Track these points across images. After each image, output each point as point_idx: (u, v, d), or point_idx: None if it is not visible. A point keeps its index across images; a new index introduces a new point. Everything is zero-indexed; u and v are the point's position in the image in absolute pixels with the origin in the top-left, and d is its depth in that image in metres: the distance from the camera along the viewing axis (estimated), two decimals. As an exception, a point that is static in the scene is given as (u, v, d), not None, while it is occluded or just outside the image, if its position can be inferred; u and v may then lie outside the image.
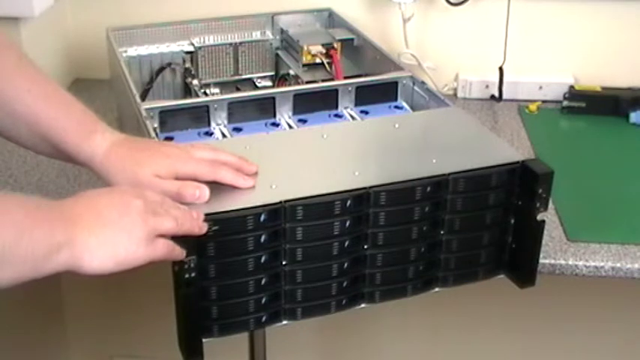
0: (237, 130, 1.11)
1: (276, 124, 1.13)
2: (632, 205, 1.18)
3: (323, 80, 1.22)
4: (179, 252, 0.79)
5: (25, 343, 1.62)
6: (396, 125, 1.05)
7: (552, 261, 1.04)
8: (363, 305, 0.96)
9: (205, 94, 1.29)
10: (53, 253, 0.70)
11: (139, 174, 0.86)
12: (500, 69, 1.45)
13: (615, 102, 1.43)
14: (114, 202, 0.76)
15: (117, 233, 0.74)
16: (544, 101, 1.49)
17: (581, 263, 1.05)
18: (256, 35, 1.37)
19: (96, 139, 0.89)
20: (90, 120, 0.91)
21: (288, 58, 1.34)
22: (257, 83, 1.35)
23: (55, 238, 0.70)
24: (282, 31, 1.38)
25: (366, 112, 1.16)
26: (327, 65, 1.27)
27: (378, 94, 1.19)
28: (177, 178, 0.86)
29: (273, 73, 1.37)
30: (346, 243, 0.90)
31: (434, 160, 0.95)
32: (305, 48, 1.27)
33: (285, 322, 0.93)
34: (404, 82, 1.19)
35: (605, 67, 1.49)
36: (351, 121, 1.14)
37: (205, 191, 0.85)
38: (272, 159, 0.95)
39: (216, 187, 0.88)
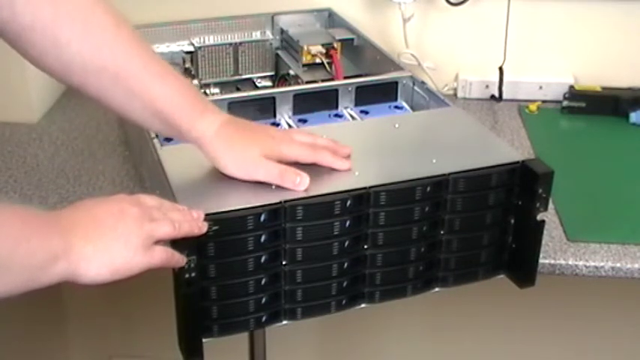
0: (237, 130, 1.11)
1: (276, 124, 1.13)
2: (632, 205, 1.18)
3: (323, 80, 1.22)
4: (178, 258, 0.79)
5: (25, 342, 1.62)
6: (396, 125, 1.05)
7: (552, 261, 1.05)
8: (363, 305, 0.96)
9: (205, 94, 1.29)
10: (50, 262, 0.69)
11: (247, 152, 0.89)
12: (500, 69, 1.45)
13: (615, 102, 1.43)
14: (110, 210, 0.76)
15: (113, 241, 0.73)
16: (544, 101, 1.49)
17: (581, 263, 1.05)
18: (256, 35, 1.37)
19: (208, 118, 0.90)
20: (201, 99, 0.93)
21: (288, 58, 1.34)
22: (257, 83, 1.35)
23: (51, 248, 0.69)
24: (282, 31, 1.38)
25: (366, 112, 1.16)
26: (327, 65, 1.27)
27: (378, 94, 1.19)
28: (279, 160, 0.89)
29: (273, 73, 1.37)
30: (346, 243, 0.90)
31: (434, 160, 0.95)
32: (305, 48, 1.27)
33: (285, 322, 0.93)
34: (404, 82, 1.19)
35: (605, 67, 1.49)
36: (351, 121, 1.14)
37: (306, 179, 0.88)
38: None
39: (216, 187, 0.88)
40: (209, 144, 0.90)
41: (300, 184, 0.88)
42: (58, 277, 0.70)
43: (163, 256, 0.77)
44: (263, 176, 0.89)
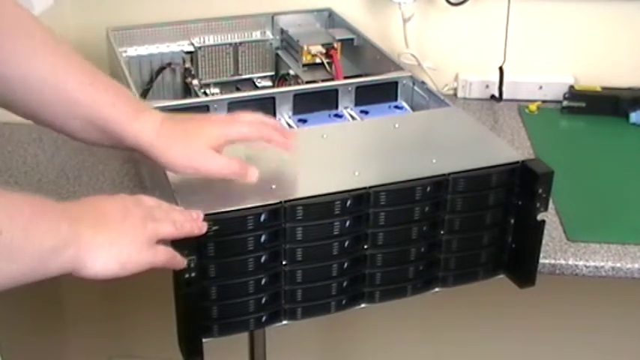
0: (237, 130, 1.11)
1: (276, 124, 1.13)
2: (632, 205, 1.18)
3: (323, 80, 1.22)
4: (180, 260, 0.79)
5: (25, 343, 1.62)
6: (396, 125, 1.05)
7: (552, 261, 1.05)
8: (363, 305, 0.96)
9: (205, 94, 1.29)
10: (60, 248, 0.69)
11: (192, 144, 0.86)
12: (501, 69, 1.45)
13: (615, 102, 1.43)
14: (115, 206, 0.76)
15: (121, 235, 0.73)
16: (544, 101, 1.49)
17: (581, 263, 1.05)
18: (256, 35, 1.37)
19: (146, 118, 0.88)
20: (136, 101, 0.91)
21: (288, 58, 1.34)
22: (257, 83, 1.35)
23: (61, 234, 0.69)
24: (282, 31, 1.38)
25: (366, 112, 1.16)
26: (327, 65, 1.27)
27: (378, 94, 1.19)
28: (228, 142, 0.88)
29: (273, 73, 1.37)
30: (346, 243, 0.90)
31: (434, 160, 0.95)
32: (305, 48, 1.27)
33: (285, 322, 0.93)
34: (404, 82, 1.19)
35: (605, 67, 1.49)
36: (351, 121, 1.14)
37: (255, 171, 0.87)
38: (272, 159, 0.95)
39: (216, 187, 0.88)
40: (149, 145, 0.86)
41: (250, 176, 0.87)
42: (66, 266, 0.70)
43: (166, 255, 0.77)
44: (212, 168, 0.86)
